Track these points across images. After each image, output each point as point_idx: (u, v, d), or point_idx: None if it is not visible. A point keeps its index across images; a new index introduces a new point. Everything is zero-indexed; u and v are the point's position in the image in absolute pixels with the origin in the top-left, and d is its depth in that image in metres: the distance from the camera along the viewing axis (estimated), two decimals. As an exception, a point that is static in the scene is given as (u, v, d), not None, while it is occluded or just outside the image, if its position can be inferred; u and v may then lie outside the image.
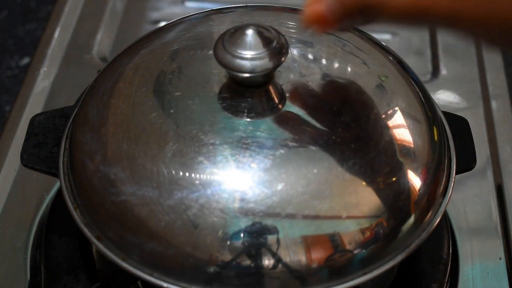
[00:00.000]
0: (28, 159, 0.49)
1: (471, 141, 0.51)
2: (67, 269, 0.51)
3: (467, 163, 0.50)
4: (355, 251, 0.41)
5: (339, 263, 0.41)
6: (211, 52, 0.43)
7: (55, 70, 0.70)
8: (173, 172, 0.41)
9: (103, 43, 0.74)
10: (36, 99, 0.67)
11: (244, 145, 0.41)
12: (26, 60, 0.77)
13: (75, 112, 0.49)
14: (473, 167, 0.50)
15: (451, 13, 0.36)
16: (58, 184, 0.58)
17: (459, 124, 0.52)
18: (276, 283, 0.40)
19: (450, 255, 0.54)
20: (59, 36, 0.73)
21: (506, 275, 0.56)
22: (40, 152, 0.49)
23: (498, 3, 0.35)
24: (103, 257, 0.43)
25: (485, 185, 0.61)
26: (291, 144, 0.41)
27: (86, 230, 0.43)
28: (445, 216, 0.57)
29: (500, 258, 0.57)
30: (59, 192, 0.57)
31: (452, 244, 0.56)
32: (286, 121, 0.43)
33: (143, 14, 0.79)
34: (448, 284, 0.54)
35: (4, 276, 0.55)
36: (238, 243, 0.40)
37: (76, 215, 0.44)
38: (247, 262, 0.40)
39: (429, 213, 0.44)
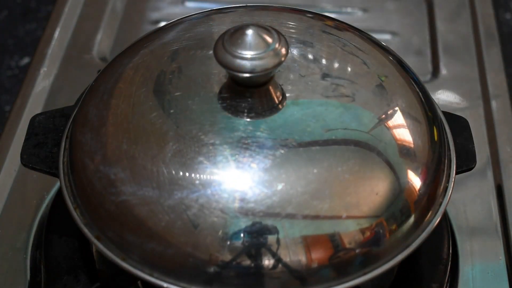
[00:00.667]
0: (28, 159, 0.49)
1: (471, 141, 0.51)
2: (67, 269, 0.51)
3: (467, 163, 0.50)
4: (355, 251, 0.41)
5: (339, 263, 0.41)
6: (211, 52, 0.43)
7: (55, 70, 0.70)
8: (173, 172, 0.41)
9: (103, 43, 0.74)
10: (36, 99, 0.67)
11: (244, 145, 0.41)
12: (26, 60, 0.76)
13: (75, 112, 0.49)
14: (473, 167, 0.50)
15: None
16: (58, 184, 0.58)
17: (459, 124, 0.52)
18: (276, 283, 0.40)
19: (450, 255, 0.54)
20: (59, 36, 0.73)
21: (506, 275, 0.56)
22: (40, 152, 0.49)
23: None
24: (103, 257, 0.43)
25: (485, 185, 0.61)
26: (291, 144, 0.41)
27: (86, 230, 0.43)
28: (445, 216, 0.57)
29: (500, 258, 0.57)
30: (59, 192, 0.57)
31: (452, 244, 0.56)
32: (286, 121, 0.42)
33: (143, 14, 0.79)
34: (448, 284, 0.54)
35: (4, 276, 0.55)
36: (238, 243, 0.40)
37: (76, 215, 0.44)
38: (247, 262, 0.40)
39: (429, 213, 0.44)
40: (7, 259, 0.56)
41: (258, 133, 0.42)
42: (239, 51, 0.41)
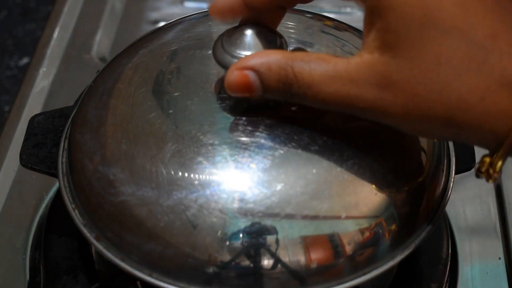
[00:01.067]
0: (27, 159, 0.49)
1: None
2: (66, 270, 0.51)
3: (466, 163, 0.50)
4: (355, 251, 0.41)
5: (339, 263, 0.41)
6: (210, 52, 0.43)
7: (54, 70, 0.70)
8: (172, 172, 0.41)
9: (102, 43, 0.74)
10: (35, 99, 0.67)
11: (243, 145, 0.41)
12: (25, 60, 0.77)
13: (74, 113, 0.49)
14: (472, 167, 0.50)
15: (375, 110, 0.37)
16: (57, 184, 0.58)
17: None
18: (276, 284, 0.40)
19: (449, 255, 0.54)
20: (58, 36, 0.73)
21: (505, 275, 0.56)
22: (39, 153, 0.49)
23: (421, 103, 0.36)
24: (103, 257, 0.43)
25: (484, 185, 0.61)
26: (290, 144, 0.41)
27: (85, 231, 0.43)
28: (444, 216, 0.57)
29: (499, 258, 0.57)
30: (58, 193, 0.57)
31: (451, 244, 0.56)
32: (285, 121, 0.43)
33: (142, 14, 0.79)
34: (447, 284, 0.54)
35: (3, 276, 0.55)
36: (237, 243, 0.40)
37: (75, 215, 0.44)
38: (246, 262, 0.40)
39: (429, 213, 0.44)
40: (6, 259, 0.56)
41: (257, 133, 0.42)
42: (238, 51, 0.41)
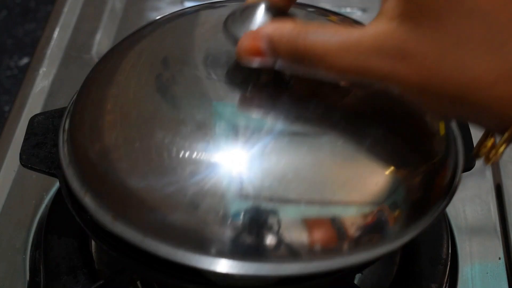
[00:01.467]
0: (28, 159, 0.49)
1: (471, 141, 0.51)
2: (66, 270, 0.51)
3: (466, 162, 0.50)
4: (361, 235, 0.40)
5: (345, 244, 0.40)
6: (211, 40, 0.43)
7: (54, 70, 0.70)
8: (180, 155, 0.40)
9: (102, 43, 0.74)
10: (35, 99, 0.67)
11: (247, 127, 0.41)
12: (25, 60, 0.77)
13: (72, 101, 0.48)
14: (473, 167, 0.50)
15: (390, 80, 0.36)
16: (57, 184, 0.58)
17: (458, 124, 0.52)
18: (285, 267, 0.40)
19: (449, 255, 0.54)
20: (58, 36, 0.73)
21: (505, 275, 0.56)
22: (39, 152, 0.49)
23: (434, 78, 0.35)
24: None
25: (484, 185, 0.62)
26: (294, 126, 0.41)
27: (99, 215, 0.42)
28: (445, 216, 0.57)
29: (500, 258, 0.57)
30: (59, 192, 0.57)
31: (451, 244, 0.56)
32: (292, 102, 0.42)
33: (142, 14, 0.79)
34: (447, 284, 0.54)
35: (3, 276, 0.55)
36: (239, 223, 0.39)
37: (87, 201, 0.42)
38: (250, 239, 0.39)
39: (440, 195, 0.43)
40: (6, 259, 0.56)
41: (262, 115, 0.41)
42: (251, 27, 0.41)
